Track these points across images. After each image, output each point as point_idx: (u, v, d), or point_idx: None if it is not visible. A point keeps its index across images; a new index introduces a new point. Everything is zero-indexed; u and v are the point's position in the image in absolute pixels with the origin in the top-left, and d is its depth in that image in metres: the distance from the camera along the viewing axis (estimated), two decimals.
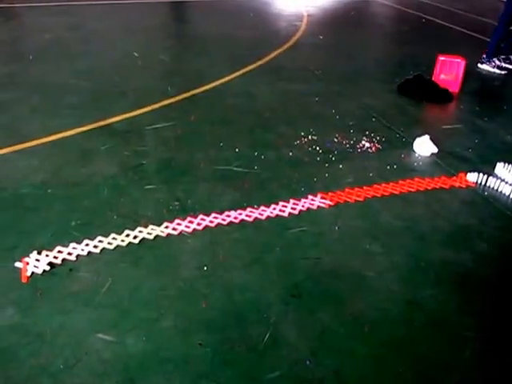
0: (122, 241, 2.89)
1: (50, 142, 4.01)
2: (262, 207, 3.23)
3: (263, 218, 3.14)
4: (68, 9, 8.79)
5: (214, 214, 3.13)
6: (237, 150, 3.93)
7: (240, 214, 3.15)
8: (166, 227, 3.01)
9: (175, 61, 6.26)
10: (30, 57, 6.05)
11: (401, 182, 3.62)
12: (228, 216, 3.12)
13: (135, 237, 2.92)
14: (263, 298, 2.57)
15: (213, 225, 3.05)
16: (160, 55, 6.34)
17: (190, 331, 2.37)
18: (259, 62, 6.06)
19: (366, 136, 4.32)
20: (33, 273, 2.68)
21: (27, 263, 2.73)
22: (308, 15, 9.00)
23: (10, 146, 3.92)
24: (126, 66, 5.83)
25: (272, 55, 6.40)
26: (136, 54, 6.24)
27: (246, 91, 5.13)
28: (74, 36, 7.03)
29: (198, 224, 3.04)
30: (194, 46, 6.91)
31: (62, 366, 2.20)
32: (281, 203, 3.30)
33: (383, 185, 3.57)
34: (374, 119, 4.68)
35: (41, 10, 8.66)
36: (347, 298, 2.60)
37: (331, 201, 3.34)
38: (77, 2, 9.29)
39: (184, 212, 3.16)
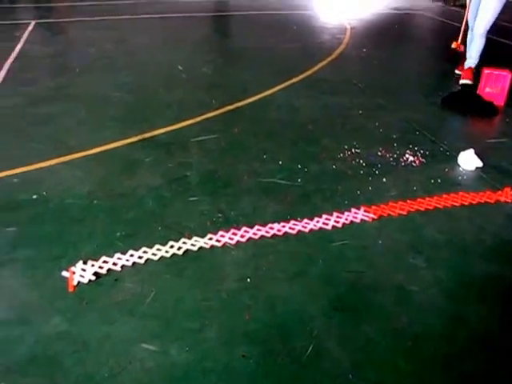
0: (167, 252, 2.92)
1: (95, 153, 4.10)
2: (306, 220, 3.23)
3: (306, 230, 3.14)
4: (112, 23, 8.99)
5: (257, 226, 3.15)
6: (280, 162, 3.94)
7: (283, 226, 3.16)
8: (210, 239, 3.03)
9: (218, 74, 6.32)
10: (77, 70, 6.20)
11: (445, 195, 3.57)
12: (271, 228, 3.13)
13: (179, 248, 2.95)
14: (306, 310, 2.57)
15: (256, 237, 3.07)
16: (203, 68, 6.42)
17: (234, 343, 2.38)
18: (302, 75, 6.08)
19: (410, 149, 4.28)
20: (79, 282, 2.73)
21: (73, 273, 2.79)
22: (351, 28, 9.00)
23: (57, 157, 4.02)
24: (170, 79, 5.93)
25: (315, 68, 6.42)
26: (180, 68, 6.34)
27: (289, 104, 5.15)
28: (119, 49, 7.19)
29: (242, 236, 3.06)
30: (236, 59, 6.98)
31: (106, 375, 2.23)
32: (324, 216, 3.29)
33: (427, 199, 3.53)
34: (417, 132, 4.64)
35: (86, 25, 8.88)
36: (390, 312, 2.58)
37: (374, 214, 3.32)
38: (120, 16, 9.50)
39: (227, 224, 3.18)
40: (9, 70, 6.06)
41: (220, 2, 12.35)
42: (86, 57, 6.76)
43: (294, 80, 5.90)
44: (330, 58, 6.93)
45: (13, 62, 6.42)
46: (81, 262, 2.86)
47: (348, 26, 9.13)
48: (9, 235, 3.13)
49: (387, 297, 2.67)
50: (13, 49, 6.94)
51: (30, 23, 8.70)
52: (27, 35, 7.87)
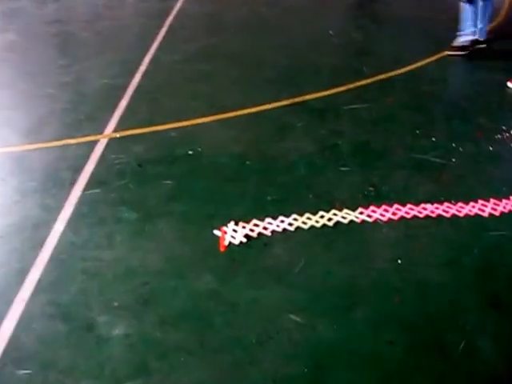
0: (317, 222, 2.78)
1: (248, 114, 4.02)
2: (460, 203, 2.94)
3: (461, 215, 2.86)
4: None
5: (409, 205, 2.91)
6: (433, 139, 3.63)
7: (437, 208, 2.90)
8: (361, 213, 2.85)
9: (369, 40, 5.97)
10: (231, 30, 6.11)
11: None
12: (424, 209, 2.89)
13: (329, 219, 2.80)
14: (459, 302, 2.34)
15: (408, 216, 2.84)
16: (353, 33, 6.10)
17: (381, 326, 2.21)
18: None
19: None
20: (230, 243, 2.67)
21: (225, 232, 2.73)
22: None
23: (212, 114, 3.98)
24: (320, 44, 5.67)
25: None
26: (331, 32, 6.06)
27: (442, 78, 4.75)
28: (271, 11, 6.98)
29: (393, 214, 2.85)
30: (387, 26, 6.54)
31: (254, 341, 2.16)
32: (480, 201, 2.98)
33: None
34: None
35: None
36: None
37: None
38: None
39: (379, 199, 2.98)
40: (169, 28, 6.10)
41: None
42: (239, 17, 6.63)
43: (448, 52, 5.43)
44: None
45: (172, 20, 6.45)
46: (232, 222, 2.79)
47: None
48: (166, 188, 3.15)
49: None
50: (172, 8, 6.97)
51: None
52: None
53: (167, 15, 6.56)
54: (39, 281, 2.50)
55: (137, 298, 2.39)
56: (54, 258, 2.64)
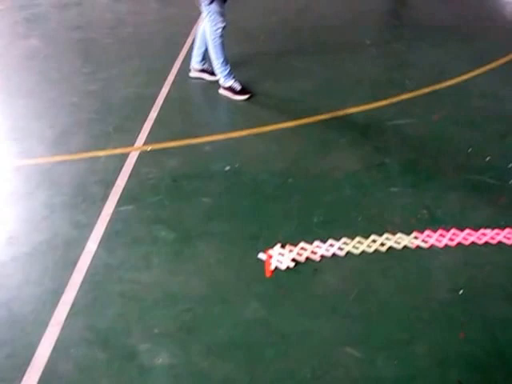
0: (369, 246, 2.74)
1: (286, 127, 3.99)
2: None
3: None
4: None
5: (467, 230, 2.86)
6: (488, 158, 3.57)
7: (497, 234, 2.84)
8: (416, 238, 2.80)
9: (410, 51, 5.92)
10: (261, 37, 6.10)
11: None
12: (484, 235, 2.83)
13: (382, 244, 2.75)
14: None
15: (466, 242, 2.78)
16: (393, 43, 6.06)
17: (447, 364, 2.16)
18: (507, 58, 5.50)
19: None
20: (276, 267, 2.63)
21: (270, 256, 2.69)
22: None
23: (248, 128, 3.96)
24: (357, 53, 5.64)
25: None
26: (367, 42, 6.03)
27: (493, 92, 4.68)
28: (302, 18, 6.97)
29: (451, 239, 2.79)
30: (426, 35, 6.48)
31: (308, 376, 2.12)
32: None
33: None
34: None
35: None
36: None
37: None
38: None
39: (434, 223, 2.92)
40: None
41: None
42: (268, 25, 6.59)
43: (497, 63, 5.37)
44: None
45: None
46: (279, 245, 2.75)
47: None
48: (204, 206, 3.13)
49: None
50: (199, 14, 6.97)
51: None
52: None
53: (195, 22, 6.56)
54: (74, 303, 2.47)
55: (179, 325, 2.35)
56: (88, 279, 2.62)
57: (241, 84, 4.44)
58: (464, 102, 4.47)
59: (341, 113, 4.19)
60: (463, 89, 4.76)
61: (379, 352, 2.20)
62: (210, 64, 4.55)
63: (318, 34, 6.24)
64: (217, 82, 4.56)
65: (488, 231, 2.86)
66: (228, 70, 4.41)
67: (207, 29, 4.27)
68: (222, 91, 4.47)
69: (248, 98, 4.39)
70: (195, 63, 4.78)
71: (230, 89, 4.42)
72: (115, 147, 3.77)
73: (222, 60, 4.37)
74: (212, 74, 4.65)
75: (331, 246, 2.74)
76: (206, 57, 4.67)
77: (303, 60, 5.35)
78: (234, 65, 5.00)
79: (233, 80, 4.43)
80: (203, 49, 4.61)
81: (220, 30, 4.23)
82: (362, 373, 2.12)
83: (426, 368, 2.13)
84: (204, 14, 4.27)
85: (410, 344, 2.23)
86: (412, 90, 4.67)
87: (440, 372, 2.12)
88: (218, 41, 4.28)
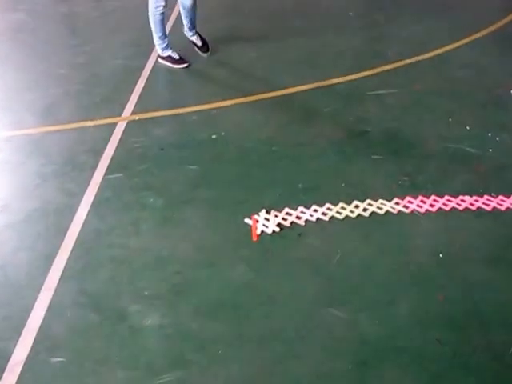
0: (351, 212, 2.76)
1: (271, 97, 3.98)
2: (501, 196, 2.90)
3: (502, 208, 2.82)
4: None
5: (447, 197, 2.88)
6: (467, 127, 3.58)
7: (476, 200, 2.87)
8: (397, 203, 2.82)
9: (392, 22, 5.85)
10: (246, 11, 6.01)
11: None
12: (463, 201, 2.86)
13: (365, 209, 2.77)
14: (508, 301, 2.30)
15: (447, 208, 2.81)
16: (375, 15, 6.01)
17: (427, 324, 2.20)
18: (489, 29, 5.46)
19: None
20: (262, 231, 2.65)
21: (257, 221, 2.70)
22: None
23: (233, 98, 3.95)
24: (340, 25, 5.58)
25: (505, 21, 5.72)
26: (351, 14, 5.98)
27: (474, 62, 4.65)
28: None
29: (431, 205, 2.82)
30: (410, 7, 6.43)
31: (293, 335, 2.14)
32: None
33: None
34: None
35: None
36: None
37: None
38: None
39: (414, 189, 2.94)
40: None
41: None
42: (257, 2, 6.49)
43: (479, 35, 5.32)
44: None
45: None
46: (264, 210, 2.76)
47: None
48: (191, 173, 3.13)
49: None
50: None
51: None
52: None
53: None
54: (66, 268, 2.48)
55: (169, 287, 2.37)
56: (79, 245, 2.62)
57: (179, 54, 4.54)
58: (445, 73, 4.46)
59: (324, 83, 4.17)
60: (444, 59, 4.74)
61: (361, 312, 2.23)
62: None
63: (303, 7, 6.16)
64: (204, 52, 4.55)
65: (467, 198, 2.89)
66: (166, 44, 4.52)
67: (150, 6, 4.36)
68: (160, 61, 4.58)
69: (186, 67, 4.49)
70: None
71: (169, 58, 4.52)
72: (104, 117, 3.74)
73: (160, 34, 4.50)
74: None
75: (315, 211, 2.76)
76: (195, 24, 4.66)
77: (288, 32, 5.29)
78: (221, 38, 4.97)
79: (170, 50, 4.53)
80: (189, 18, 4.61)
81: (160, 8, 4.34)
82: (345, 332, 2.15)
83: (407, 327, 2.17)
84: None
85: (391, 305, 2.27)
86: (394, 60, 4.64)
87: (420, 331, 2.16)
88: (159, 18, 4.41)
